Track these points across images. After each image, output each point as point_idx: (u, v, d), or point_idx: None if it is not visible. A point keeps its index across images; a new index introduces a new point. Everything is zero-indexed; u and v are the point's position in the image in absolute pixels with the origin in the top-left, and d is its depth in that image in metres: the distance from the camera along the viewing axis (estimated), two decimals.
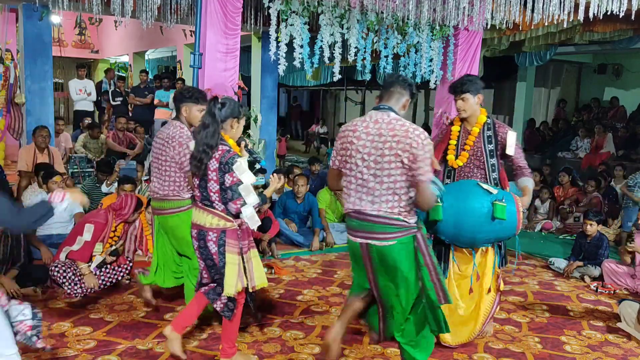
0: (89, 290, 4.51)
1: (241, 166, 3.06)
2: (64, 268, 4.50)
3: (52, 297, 4.42)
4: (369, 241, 2.83)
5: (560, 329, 4.26)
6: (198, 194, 3.21)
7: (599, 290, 5.19)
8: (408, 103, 2.93)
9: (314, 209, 6.37)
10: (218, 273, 3.24)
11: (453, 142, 3.79)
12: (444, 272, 3.63)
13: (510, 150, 3.67)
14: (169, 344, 3.29)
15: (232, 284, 3.17)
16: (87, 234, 4.54)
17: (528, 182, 3.75)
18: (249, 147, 3.43)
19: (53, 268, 4.50)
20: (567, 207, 7.84)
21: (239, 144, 3.35)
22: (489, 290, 3.75)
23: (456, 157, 3.76)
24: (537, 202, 7.97)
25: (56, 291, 4.52)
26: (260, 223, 3.26)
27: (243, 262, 3.24)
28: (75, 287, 4.46)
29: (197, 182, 3.19)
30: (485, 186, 3.50)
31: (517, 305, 4.72)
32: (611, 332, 4.22)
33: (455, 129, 3.80)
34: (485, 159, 3.69)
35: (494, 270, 3.76)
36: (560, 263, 5.78)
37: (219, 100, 3.17)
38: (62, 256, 4.47)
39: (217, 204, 3.14)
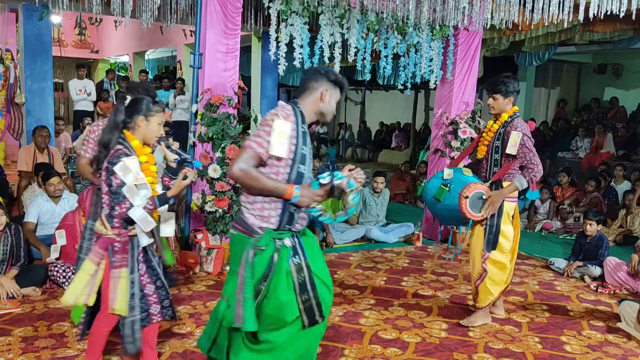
0: None
1: (125, 166, 2.75)
2: (63, 268, 4.51)
3: (52, 297, 4.42)
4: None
5: (560, 329, 4.27)
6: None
7: (599, 290, 5.19)
8: (328, 93, 2.65)
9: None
10: None
11: (485, 134, 4.16)
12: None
13: (511, 149, 3.90)
14: None
15: (73, 292, 2.88)
16: (60, 239, 4.63)
17: (517, 179, 3.93)
18: (173, 148, 3.09)
19: (53, 268, 4.51)
20: (567, 207, 7.84)
21: (158, 143, 3.05)
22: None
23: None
24: (537, 202, 7.98)
25: (56, 291, 4.52)
26: (155, 224, 2.88)
27: (110, 276, 2.87)
28: None
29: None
30: (446, 171, 4.00)
31: (517, 305, 4.72)
32: (611, 332, 4.22)
33: (490, 123, 4.15)
34: (491, 153, 4.03)
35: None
36: (560, 263, 5.78)
37: (127, 98, 2.96)
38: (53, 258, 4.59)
39: (104, 208, 2.86)
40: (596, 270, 5.44)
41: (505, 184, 3.98)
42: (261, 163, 2.53)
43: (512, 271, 4.29)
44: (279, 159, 2.51)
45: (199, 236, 5.19)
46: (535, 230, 7.73)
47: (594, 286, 5.25)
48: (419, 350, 3.75)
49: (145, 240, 2.90)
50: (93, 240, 2.95)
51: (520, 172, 3.97)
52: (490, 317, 4.28)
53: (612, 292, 5.14)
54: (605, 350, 3.90)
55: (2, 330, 3.77)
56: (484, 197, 3.91)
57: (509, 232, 4.09)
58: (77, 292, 2.88)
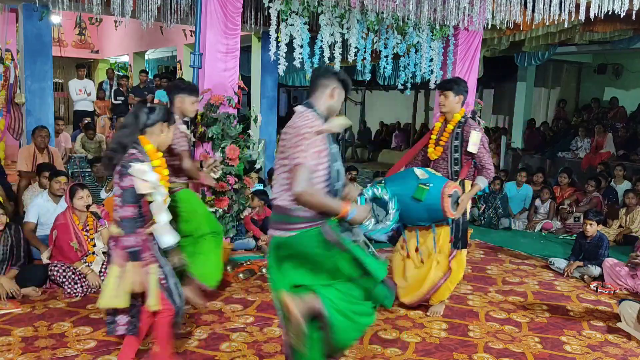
0: (89, 290, 4.52)
1: (137, 169, 2.80)
2: (63, 268, 4.51)
3: (52, 297, 4.42)
4: (274, 232, 2.76)
5: (560, 329, 4.26)
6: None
7: (599, 290, 5.18)
8: (336, 92, 2.76)
9: None
10: None
11: (433, 136, 4.29)
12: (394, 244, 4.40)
13: (472, 148, 4.06)
14: None
15: (105, 296, 2.91)
16: (46, 254, 4.71)
17: (479, 180, 4.11)
18: (218, 167, 3.20)
19: (53, 268, 4.51)
20: (567, 207, 7.84)
21: (201, 166, 3.13)
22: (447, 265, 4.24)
23: (433, 150, 4.26)
24: (537, 202, 7.98)
25: (56, 291, 4.53)
26: (172, 244, 3.02)
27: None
28: (75, 287, 4.48)
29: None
30: (418, 172, 3.98)
31: (517, 305, 4.72)
32: (611, 332, 4.22)
33: (437, 125, 4.29)
34: (450, 153, 4.16)
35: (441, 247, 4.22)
36: (560, 263, 5.78)
37: (147, 105, 3.02)
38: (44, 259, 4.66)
39: (116, 210, 2.89)
40: (596, 270, 5.44)
41: (467, 183, 4.18)
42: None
43: None
44: (315, 167, 2.59)
45: None
46: (535, 230, 7.73)
47: (594, 286, 5.25)
48: (419, 350, 3.75)
49: (167, 241, 2.99)
50: (112, 244, 2.95)
51: (477, 172, 4.16)
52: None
53: (612, 292, 5.14)
54: (605, 350, 3.90)
55: (2, 330, 3.78)
56: (459, 197, 4.02)
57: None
58: (110, 295, 2.91)
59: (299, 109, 2.74)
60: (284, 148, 2.67)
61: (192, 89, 4.17)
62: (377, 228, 2.73)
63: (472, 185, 4.16)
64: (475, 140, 4.05)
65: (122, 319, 3.02)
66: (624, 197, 7.46)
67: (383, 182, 3.87)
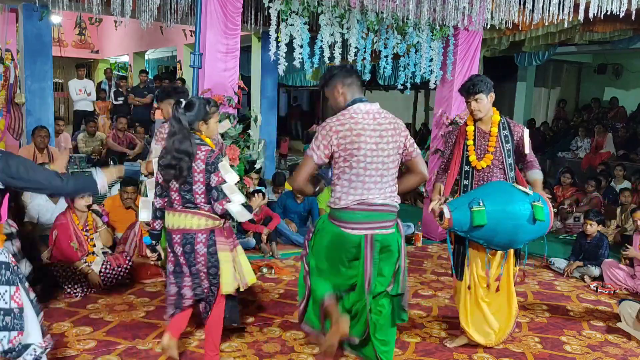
0: (89, 290, 4.53)
1: (225, 166, 3.06)
2: (63, 268, 4.51)
3: (52, 297, 4.42)
4: (376, 231, 2.85)
5: (560, 329, 4.27)
6: (177, 198, 3.09)
7: (599, 290, 5.19)
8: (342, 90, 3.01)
9: (314, 209, 6.36)
10: (198, 279, 3.16)
11: (470, 142, 3.71)
12: (461, 275, 3.71)
13: (528, 148, 3.65)
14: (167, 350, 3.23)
15: (229, 282, 3.15)
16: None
17: (537, 174, 3.71)
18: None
19: (53, 268, 4.51)
20: (567, 207, 7.84)
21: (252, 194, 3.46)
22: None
23: (479, 158, 3.67)
24: None
25: (56, 291, 4.53)
26: (251, 216, 3.29)
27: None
28: (75, 287, 4.48)
29: (177, 185, 3.08)
30: (521, 188, 3.49)
31: (517, 305, 4.72)
32: (611, 332, 4.22)
33: (470, 129, 3.73)
34: (504, 158, 3.63)
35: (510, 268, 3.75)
36: (560, 263, 5.78)
37: (182, 103, 3.08)
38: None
39: (203, 205, 3.07)
40: (596, 271, 5.44)
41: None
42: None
43: None
44: None
45: None
46: None
47: (594, 286, 5.25)
48: (419, 350, 3.75)
49: (244, 218, 3.19)
50: (203, 237, 3.09)
51: (527, 168, 3.75)
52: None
53: (612, 292, 5.14)
54: (605, 350, 3.90)
55: None
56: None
57: None
58: (230, 280, 3.16)
59: (375, 105, 2.95)
60: (383, 145, 2.84)
61: (179, 93, 4.09)
62: None
63: (533, 183, 3.70)
64: (529, 141, 3.66)
65: (202, 306, 3.23)
66: (619, 196, 7.46)
67: (480, 202, 3.37)
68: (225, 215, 3.13)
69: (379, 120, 2.88)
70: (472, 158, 3.68)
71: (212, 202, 3.05)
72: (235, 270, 3.21)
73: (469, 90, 3.64)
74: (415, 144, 3.03)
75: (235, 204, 3.07)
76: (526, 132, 3.68)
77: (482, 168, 3.66)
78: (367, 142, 2.81)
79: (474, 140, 3.70)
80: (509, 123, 3.70)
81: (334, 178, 2.91)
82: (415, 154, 3.00)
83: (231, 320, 3.68)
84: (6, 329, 2.38)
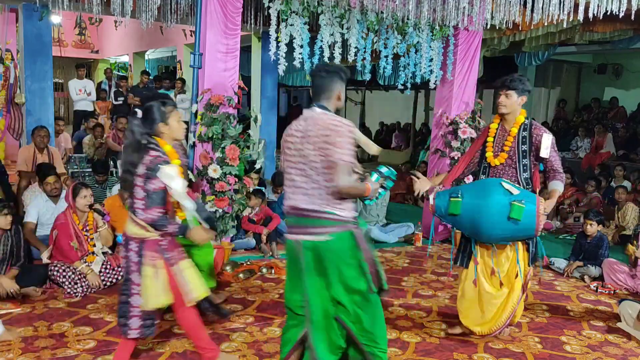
0: (89, 290, 4.53)
1: (169, 173, 2.86)
2: (63, 268, 4.51)
3: (52, 297, 4.42)
4: (304, 237, 2.77)
5: (560, 329, 4.26)
6: (130, 202, 3.03)
7: (599, 290, 5.19)
8: (342, 93, 2.87)
9: None
10: (127, 289, 3.01)
11: (490, 139, 3.84)
12: (466, 264, 3.88)
13: (545, 152, 3.66)
14: None
15: (148, 298, 2.95)
16: (45, 254, 4.72)
17: (557, 185, 3.71)
18: None
19: (53, 268, 4.52)
20: (567, 207, 7.84)
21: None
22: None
23: (495, 155, 3.79)
24: None
25: (56, 291, 4.53)
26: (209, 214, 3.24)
27: (173, 274, 3.00)
28: (75, 287, 4.48)
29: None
30: (507, 186, 3.53)
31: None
32: (611, 332, 4.22)
33: (494, 126, 3.86)
34: (517, 158, 3.71)
35: (523, 266, 3.75)
36: (560, 263, 5.78)
37: (138, 113, 2.99)
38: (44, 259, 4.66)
39: (139, 212, 2.91)
40: (596, 271, 5.44)
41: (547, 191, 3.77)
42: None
43: None
44: (352, 162, 2.70)
45: None
46: None
47: (594, 286, 5.25)
48: (419, 350, 3.75)
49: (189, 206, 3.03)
50: (134, 246, 2.98)
51: (550, 177, 3.77)
52: None
53: (612, 292, 5.14)
54: (605, 350, 3.90)
55: None
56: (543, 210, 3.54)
57: None
58: (154, 296, 2.96)
59: (317, 110, 2.79)
60: (306, 150, 2.72)
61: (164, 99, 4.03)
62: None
63: (549, 193, 3.71)
64: (548, 144, 3.65)
65: (135, 323, 3.01)
66: (614, 193, 7.46)
67: (460, 194, 3.55)
68: (158, 227, 2.93)
69: (310, 125, 2.74)
70: (489, 154, 3.81)
71: (147, 209, 2.89)
72: (160, 287, 2.96)
73: (503, 82, 3.75)
74: (342, 150, 2.64)
75: (188, 210, 3.01)
76: (547, 136, 3.67)
77: (496, 165, 3.77)
78: (290, 148, 2.81)
79: (494, 137, 3.82)
80: (531, 125, 3.75)
81: None
82: (334, 164, 2.65)
83: (221, 315, 3.63)
84: None
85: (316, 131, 2.70)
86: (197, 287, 3.07)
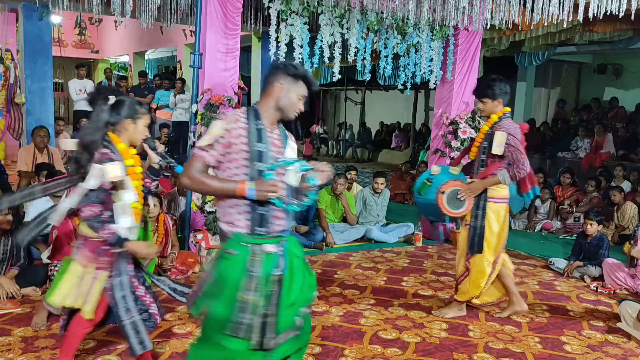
0: None
1: (100, 172, 2.71)
2: None
3: None
4: None
5: (560, 329, 4.27)
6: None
7: (599, 290, 5.18)
8: (284, 87, 2.50)
9: (311, 209, 6.37)
10: None
11: (477, 138, 4.24)
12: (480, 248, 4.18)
13: (496, 149, 3.92)
14: None
15: (60, 293, 2.87)
16: (45, 253, 4.74)
17: (499, 172, 3.95)
18: (158, 150, 3.05)
19: (53, 268, 4.51)
20: (567, 207, 7.84)
21: (144, 145, 3.01)
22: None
23: (473, 153, 4.24)
24: (538, 202, 7.97)
25: None
26: (128, 225, 2.87)
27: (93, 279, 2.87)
28: None
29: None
30: (435, 168, 4.16)
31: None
32: (611, 332, 4.22)
33: (484, 128, 4.16)
34: (479, 154, 4.10)
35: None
36: (560, 263, 5.78)
37: (111, 99, 2.87)
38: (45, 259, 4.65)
39: (83, 208, 2.80)
40: (596, 271, 5.44)
41: (502, 187, 4.04)
42: (216, 167, 2.48)
43: (493, 276, 4.24)
44: (230, 160, 2.43)
45: (199, 236, 5.20)
46: (535, 230, 7.72)
47: (594, 286, 5.25)
48: (419, 350, 3.75)
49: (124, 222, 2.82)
50: (81, 242, 2.90)
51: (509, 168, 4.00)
52: (464, 311, 4.39)
53: (612, 292, 5.14)
54: (605, 350, 3.90)
55: (2, 330, 3.77)
56: (461, 186, 3.99)
57: (493, 235, 4.10)
58: (64, 293, 2.86)
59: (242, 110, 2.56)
60: None
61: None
62: (292, 203, 2.51)
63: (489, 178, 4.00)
64: (500, 141, 3.89)
65: (61, 321, 3.00)
66: (610, 195, 7.45)
67: (432, 181, 4.03)
68: (92, 227, 2.79)
69: None
70: (472, 150, 4.23)
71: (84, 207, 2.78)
72: (77, 288, 2.86)
73: (475, 92, 4.21)
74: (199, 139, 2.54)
75: (120, 228, 2.78)
76: (500, 133, 3.91)
77: (472, 160, 4.24)
78: None
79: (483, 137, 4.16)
80: (497, 124, 4.01)
81: None
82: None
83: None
84: None
85: None
86: (90, 304, 2.87)
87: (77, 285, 2.86)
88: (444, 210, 3.97)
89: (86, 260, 2.86)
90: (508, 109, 4.08)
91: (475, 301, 4.34)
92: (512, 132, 3.91)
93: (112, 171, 2.73)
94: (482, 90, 4.06)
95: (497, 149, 3.91)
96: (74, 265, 2.88)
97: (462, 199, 3.97)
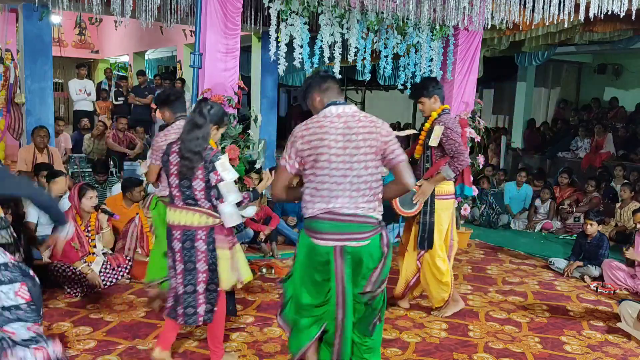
0: (89, 290, 4.53)
1: (224, 164, 3.10)
2: (63, 268, 4.51)
3: (52, 297, 4.42)
4: (346, 243, 2.66)
5: (560, 329, 4.27)
6: (178, 194, 3.16)
7: (599, 290, 5.19)
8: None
9: None
10: (194, 278, 3.17)
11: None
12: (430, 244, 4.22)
13: (432, 141, 4.06)
14: None
15: (227, 279, 3.23)
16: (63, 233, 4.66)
17: (442, 169, 4.02)
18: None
19: (53, 268, 4.52)
20: (567, 207, 7.84)
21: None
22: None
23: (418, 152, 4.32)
24: (538, 202, 7.98)
25: (56, 291, 4.53)
26: (239, 222, 3.29)
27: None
28: (75, 287, 4.48)
29: (177, 181, 3.14)
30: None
31: (517, 305, 4.72)
32: (611, 332, 4.22)
33: (426, 126, 4.27)
34: (423, 151, 4.20)
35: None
36: (560, 263, 5.78)
37: (208, 102, 3.22)
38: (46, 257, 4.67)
39: (202, 202, 3.14)
40: (596, 271, 5.44)
41: (449, 183, 4.17)
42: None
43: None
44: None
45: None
46: (535, 230, 7.73)
47: (594, 286, 5.25)
48: (419, 350, 3.75)
49: (232, 223, 3.20)
50: (203, 235, 3.14)
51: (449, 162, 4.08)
52: (460, 302, 4.46)
53: (612, 292, 5.14)
54: (605, 350, 3.90)
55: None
56: (415, 189, 4.01)
57: (442, 231, 4.20)
58: (228, 277, 3.22)
59: (353, 107, 2.73)
60: (353, 150, 2.63)
61: (178, 98, 4.15)
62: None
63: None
64: (437, 134, 4.02)
65: (202, 309, 3.20)
66: (619, 191, 7.45)
67: None
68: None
69: (350, 123, 2.64)
70: (416, 148, 4.30)
71: (212, 199, 3.13)
72: (233, 267, 3.25)
73: (412, 95, 4.40)
74: (398, 150, 2.69)
75: (227, 205, 3.13)
76: (437, 127, 4.05)
77: (417, 158, 4.28)
78: (332, 147, 2.61)
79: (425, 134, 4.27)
80: (438, 119, 4.11)
81: (305, 184, 2.76)
82: (396, 162, 2.69)
83: (230, 313, 3.79)
84: (20, 320, 2.41)
85: (360, 129, 2.64)
86: (246, 271, 3.33)
87: (233, 266, 3.23)
88: (398, 210, 4.09)
89: (226, 242, 3.21)
90: (447, 106, 4.23)
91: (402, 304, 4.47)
92: (451, 126, 4.04)
93: (227, 161, 3.15)
94: (418, 92, 4.20)
95: (434, 141, 4.04)
96: (221, 252, 3.19)
97: (415, 202, 4.07)
